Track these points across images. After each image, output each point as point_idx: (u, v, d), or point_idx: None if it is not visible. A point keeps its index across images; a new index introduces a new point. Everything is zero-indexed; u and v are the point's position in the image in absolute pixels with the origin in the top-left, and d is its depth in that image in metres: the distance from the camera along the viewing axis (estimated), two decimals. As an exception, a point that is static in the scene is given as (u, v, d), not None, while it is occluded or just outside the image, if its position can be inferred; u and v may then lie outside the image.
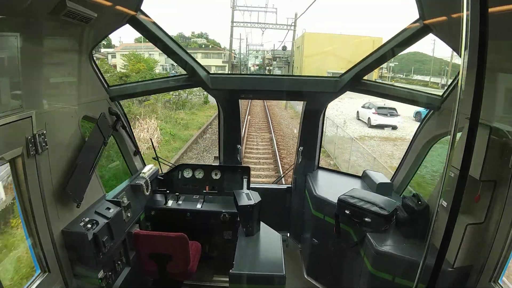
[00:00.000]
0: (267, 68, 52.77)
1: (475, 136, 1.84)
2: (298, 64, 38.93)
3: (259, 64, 58.44)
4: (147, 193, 4.98)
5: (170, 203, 5.22)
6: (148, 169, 5.29)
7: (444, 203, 3.45)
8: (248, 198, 4.17)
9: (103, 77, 4.43)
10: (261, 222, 4.19)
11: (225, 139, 5.93)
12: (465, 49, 1.66)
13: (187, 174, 5.60)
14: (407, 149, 5.21)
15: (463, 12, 1.59)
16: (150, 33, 4.41)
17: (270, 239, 4.03)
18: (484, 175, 3.08)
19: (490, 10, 2.49)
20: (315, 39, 36.32)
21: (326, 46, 34.28)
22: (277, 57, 47.53)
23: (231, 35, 30.22)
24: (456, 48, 3.90)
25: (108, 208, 3.94)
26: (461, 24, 1.61)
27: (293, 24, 29.68)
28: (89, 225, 3.55)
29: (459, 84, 1.72)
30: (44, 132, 3.10)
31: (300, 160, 6.06)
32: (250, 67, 55.29)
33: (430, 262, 2.25)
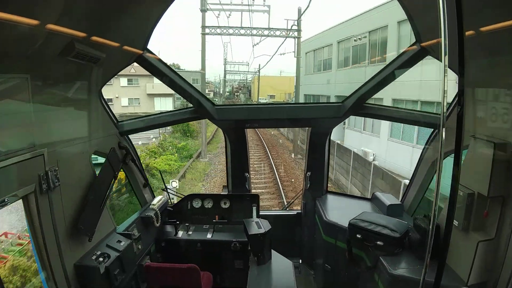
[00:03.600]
0: (235, 94, 70.18)
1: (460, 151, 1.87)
2: (254, 91, 56.89)
3: (229, 91, 71.38)
4: (157, 225, 4.99)
5: (180, 233, 5.21)
6: (158, 201, 5.32)
7: (455, 222, 3.42)
8: (258, 226, 4.17)
9: (112, 113, 4.57)
10: (272, 250, 4.16)
11: (233, 168, 5.97)
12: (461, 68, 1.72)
13: (197, 204, 5.62)
14: (415, 169, 5.20)
15: (440, 35, 1.68)
16: (157, 70, 4.58)
17: (282, 267, 3.99)
18: (491, 191, 3.07)
19: (483, 29, 2.59)
20: (264, 78, 53.24)
21: (269, 80, 55.48)
22: (241, 87, 64.91)
23: (203, 46, 25.20)
24: (453, 68, 3.97)
25: (119, 241, 3.96)
26: (440, 45, 1.70)
27: (292, 28, 26.14)
28: (100, 259, 3.56)
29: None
30: (56, 168, 3.19)
31: (308, 185, 6.06)
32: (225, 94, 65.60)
33: (448, 283, 2.23)
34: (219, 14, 25.54)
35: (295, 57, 27.12)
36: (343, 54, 25.86)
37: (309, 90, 31.32)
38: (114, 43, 3.66)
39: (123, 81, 42.11)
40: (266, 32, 25.89)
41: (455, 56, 1.82)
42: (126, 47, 3.99)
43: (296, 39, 26.73)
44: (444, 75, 1.80)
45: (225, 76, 56.47)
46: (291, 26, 26.04)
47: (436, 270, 2.21)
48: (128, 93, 43.12)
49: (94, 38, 3.28)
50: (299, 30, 26.12)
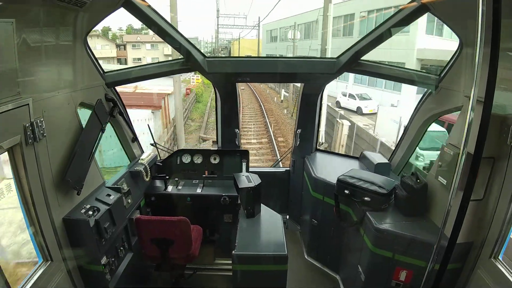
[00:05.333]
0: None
1: (489, 118, 1.82)
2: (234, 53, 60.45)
3: (210, 52, 71.71)
4: (147, 179, 4.98)
5: (170, 188, 5.23)
6: (147, 155, 5.28)
7: (443, 181, 3.49)
8: (248, 180, 4.19)
9: (98, 63, 4.36)
10: (262, 204, 4.22)
11: (223, 124, 5.90)
12: (481, 28, 1.63)
13: (186, 159, 5.60)
14: (405, 128, 5.22)
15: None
16: (145, 17, 4.32)
17: (271, 220, 4.07)
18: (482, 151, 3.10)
19: None
20: (244, 41, 56.63)
21: (248, 43, 56.45)
22: (222, 48, 66.30)
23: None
24: (454, 28, 3.86)
25: (109, 195, 3.95)
26: (477, 4, 1.59)
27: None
28: (90, 212, 3.56)
29: (475, 65, 1.69)
30: (42, 119, 3.07)
31: (298, 142, 6.06)
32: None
33: (428, 239, 2.29)
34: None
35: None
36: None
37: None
38: None
39: (148, 46, 60.83)
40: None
41: (455, 14, 1.74)
42: None
43: None
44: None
45: (217, 32, 54.29)
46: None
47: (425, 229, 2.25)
48: (151, 54, 59.78)
49: None
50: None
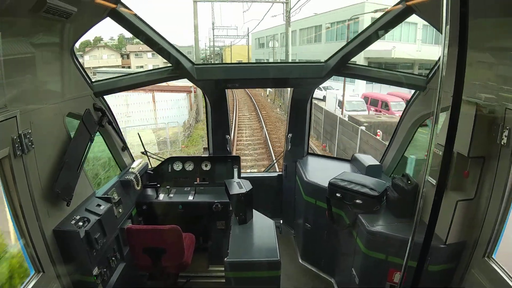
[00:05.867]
0: (210, 61, 73.03)
1: (459, 113, 1.86)
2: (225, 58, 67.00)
3: (202, 58, 74.11)
4: (138, 188, 4.94)
5: (161, 196, 5.19)
6: (137, 164, 5.24)
7: (433, 181, 3.51)
8: (239, 186, 4.18)
9: (86, 73, 4.34)
10: (254, 210, 4.21)
11: (214, 130, 5.89)
12: (446, 25, 1.67)
13: (177, 167, 5.57)
14: (395, 130, 5.27)
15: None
16: (132, 26, 4.31)
17: (263, 226, 4.06)
18: (472, 151, 3.12)
19: None
20: (235, 47, 60.38)
21: (239, 49, 59.93)
22: (215, 54, 68.76)
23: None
24: (439, 28, 3.91)
25: (99, 205, 3.90)
26: (441, 2, 1.63)
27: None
28: (80, 223, 3.51)
29: (440, 62, 1.74)
30: (30, 131, 3.03)
31: (289, 147, 6.07)
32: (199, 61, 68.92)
33: (421, 239, 2.30)
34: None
35: (284, 20, 29.17)
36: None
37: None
38: None
39: (149, 55, 64.93)
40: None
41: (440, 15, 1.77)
42: (98, 0, 3.72)
43: (284, 4, 27.79)
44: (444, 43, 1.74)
45: (213, 41, 55.88)
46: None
47: (417, 230, 2.26)
48: (152, 62, 62.87)
49: None
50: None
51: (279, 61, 32.51)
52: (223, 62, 57.92)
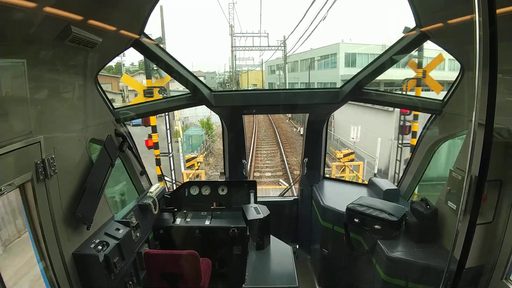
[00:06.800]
0: (226, 85, 75.51)
1: (491, 140, 1.85)
2: (242, 82, 70.03)
3: (219, 82, 77.92)
4: (155, 212, 4.99)
5: (178, 221, 5.22)
6: (155, 188, 5.31)
7: (453, 206, 3.46)
8: (257, 212, 4.18)
9: (108, 100, 4.51)
10: (271, 235, 4.18)
11: (230, 155, 5.96)
12: (479, 52, 1.70)
13: (194, 191, 5.61)
14: (412, 154, 5.23)
15: (475, 14, 1.64)
16: (153, 55, 4.51)
17: (280, 251, 4.02)
18: (489, 175, 3.08)
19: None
20: (251, 72, 65.84)
21: (254, 73, 66.61)
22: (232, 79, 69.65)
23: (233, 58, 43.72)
24: (453, 53, 3.95)
25: (118, 229, 3.95)
26: (474, 27, 1.65)
27: (282, 45, 42.97)
28: (99, 247, 3.56)
29: (475, 88, 1.75)
30: (53, 156, 3.14)
31: (305, 171, 6.07)
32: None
33: (441, 265, 2.25)
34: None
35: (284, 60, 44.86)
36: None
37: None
38: (110, 27, 3.58)
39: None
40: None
41: (455, 40, 1.80)
42: (122, 31, 3.91)
43: (282, 50, 43.09)
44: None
45: (233, 60, 50.99)
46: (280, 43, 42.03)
47: (438, 256, 2.22)
48: (175, 84, 63.38)
49: (91, 21, 3.21)
50: (284, 46, 42.81)
51: (294, 88, 38.14)
52: (240, 85, 61.55)
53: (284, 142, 28.60)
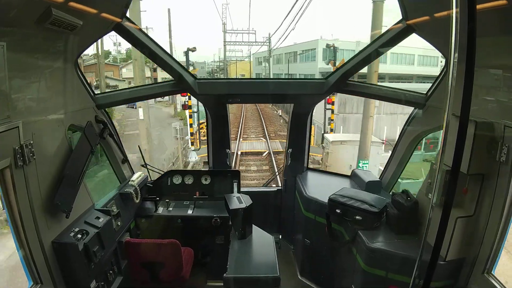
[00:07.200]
0: (215, 74, 75.36)
1: (465, 133, 1.87)
2: (230, 73, 68.76)
3: (208, 72, 77.79)
4: (137, 201, 4.91)
5: (160, 210, 5.16)
6: (137, 177, 5.22)
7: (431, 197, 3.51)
8: (239, 201, 4.16)
9: (89, 85, 4.38)
10: (253, 225, 4.18)
11: (214, 144, 5.91)
12: (455, 47, 1.70)
13: (177, 180, 5.55)
14: (394, 147, 5.29)
15: (452, 10, 1.63)
16: (136, 40, 4.39)
17: (262, 241, 4.03)
18: (471, 169, 3.14)
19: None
20: (239, 63, 67.46)
21: (242, 64, 67.89)
22: (221, 69, 69.83)
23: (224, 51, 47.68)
24: (439, 47, 3.98)
25: (98, 218, 3.88)
26: (451, 22, 1.65)
27: (267, 41, 45.39)
28: (79, 235, 3.49)
29: (449, 82, 1.75)
30: (31, 142, 3.05)
31: (289, 162, 6.08)
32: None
33: (424, 257, 2.28)
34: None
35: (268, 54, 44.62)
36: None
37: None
38: (92, 9, 3.46)
39: None
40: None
41: (440, 34, 1.79)
42: (104, 15, 3.79)
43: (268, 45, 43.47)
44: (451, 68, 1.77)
45: (225, 53, 53.56)
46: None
47: (418, 247, 2.24)
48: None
49: (72, 3, 3.10)
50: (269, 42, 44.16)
51: (281, 77, 40.70)
52: (229, 75, 61.64)
53: (265, 119, 37.20)
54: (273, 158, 20.87)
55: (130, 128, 29.48)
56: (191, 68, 15.44)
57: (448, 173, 1.95)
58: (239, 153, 22.27)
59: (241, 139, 26.47)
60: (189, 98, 16.98)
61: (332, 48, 19.48)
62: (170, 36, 26.41)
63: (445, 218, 1.97)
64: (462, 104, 1.77)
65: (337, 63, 18.58)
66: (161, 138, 26.21)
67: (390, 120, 27.27)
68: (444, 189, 2.92)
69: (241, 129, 31.03)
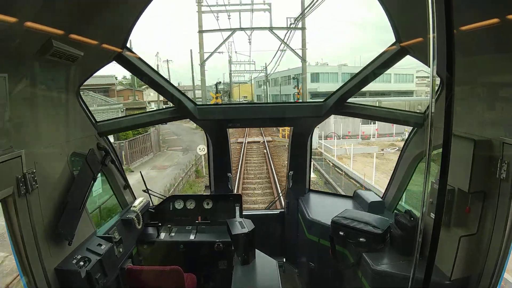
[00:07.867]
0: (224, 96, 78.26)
1: (449, 148, 1.90)
2: (233, 93, 72.73)
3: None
4: (139, 227, 4.89)
5: (162, 235, 5.12)
6: (139, 202, 5.22)
7: (433, 216, 3.49)
8: (241, 226, 4.13)
9: (91, 113, 4.46)
10: (256, 250, 4.14)
11: (215, 168, 5.92)
12: (433, 60, 1.76)
13: (179, 205, 5.53)
14: (395, 166, 5.29)
15: (429, 34, 1.70)
16: (136, 69, 4.50)
17: (266, 266, 3.98)
18: (472, 187, 3.14)
19: (461, 28, 2.62)
20: (242, 86, 75.49)
21: (244, 86, 76.72)
22: (225, 91, 70.31)
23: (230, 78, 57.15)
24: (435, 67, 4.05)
25: (100, 245, 3.87)
26: (428, 44, 1.72)
27: (264, 69, 53.22)
28: (81, 263, 3.48)
29: (429, 99, 1.81)
30: (34, 171, 3.09)
31: (291, 184, 6.08)
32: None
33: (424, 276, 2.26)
34: (217, 17, 27.96)
35: (300, 48, 30.22)
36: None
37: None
38: (92, 40, 3.57)
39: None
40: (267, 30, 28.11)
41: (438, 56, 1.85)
42: (105, 45, 3.90)
43: (302, 30, 28.72)
44: (433, 78, 1.83)
45: (230, 79, 60.47)
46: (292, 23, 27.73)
47: (422, 267, 2.23)
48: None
49: (72, 35, 3.20)
50: (266, 70, 49.74)
51: (278, 101, 45.37)
52: (232, 96, 66.10)
53: (265, 132, 39.56)
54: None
55: (170, 144, 34.21)
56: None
57: (450, 192, 1.97)
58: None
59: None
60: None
61: (295, 79, 21.28)
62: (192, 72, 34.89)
63: (435, 235, 1.99)
64: (445, 120, 1.83)
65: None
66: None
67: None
68: (447, 208, 2.92)
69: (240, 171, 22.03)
